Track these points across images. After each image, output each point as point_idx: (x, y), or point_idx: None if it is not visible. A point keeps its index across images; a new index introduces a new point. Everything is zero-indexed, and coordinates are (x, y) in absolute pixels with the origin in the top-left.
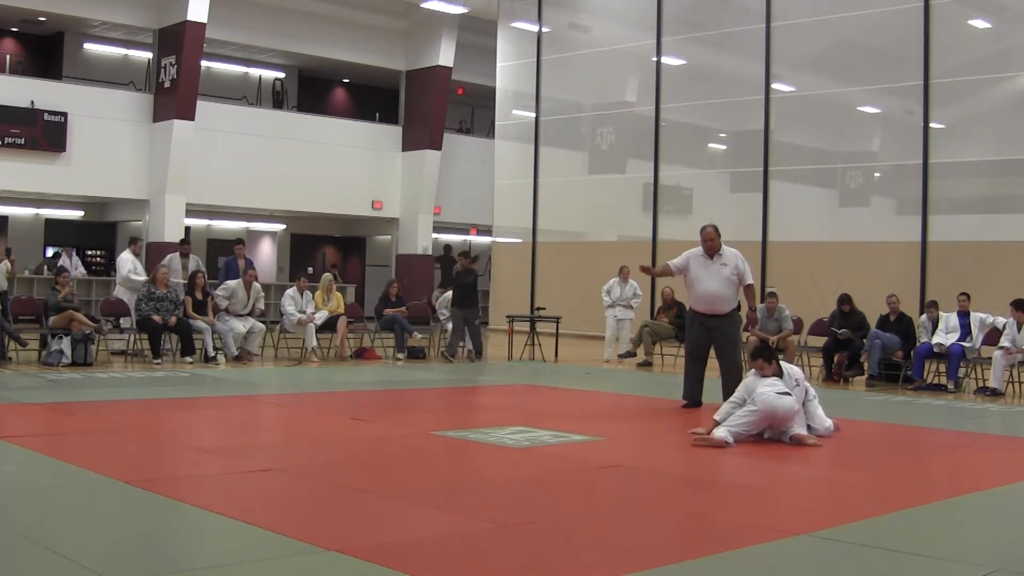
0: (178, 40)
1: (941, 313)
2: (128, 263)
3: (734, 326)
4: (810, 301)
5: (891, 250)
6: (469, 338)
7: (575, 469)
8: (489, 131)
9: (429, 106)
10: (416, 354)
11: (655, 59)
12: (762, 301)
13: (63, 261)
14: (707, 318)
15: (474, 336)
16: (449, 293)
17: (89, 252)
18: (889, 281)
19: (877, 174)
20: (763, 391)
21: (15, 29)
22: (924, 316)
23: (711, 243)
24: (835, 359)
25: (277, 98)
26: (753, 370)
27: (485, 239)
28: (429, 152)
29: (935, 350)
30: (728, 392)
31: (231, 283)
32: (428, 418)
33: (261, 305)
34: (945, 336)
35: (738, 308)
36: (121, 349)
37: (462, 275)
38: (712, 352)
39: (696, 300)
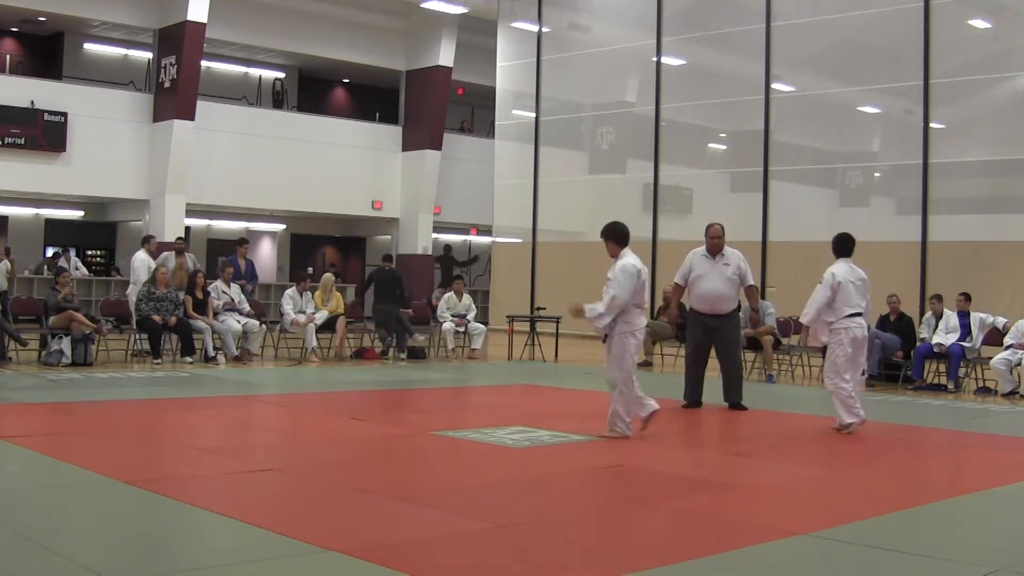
0: (178, 40)
1: (928, 314)
2: (145, 263)
3: (735, 327)
4: None
5: (891, 250)
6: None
7: (575, 469)
8: (489, 131)
9: (429, 106)
10: (416, 354)
11: (655, 59)
12: (763, 299)
13: (63, 261)
14: (708, 318)
15: (398, 333)
16: (450, 293)
17: (89, 252)
18: (889, 281)
19: (877, 174)
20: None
21: (15, 29)
22: (929, 313)
23: (717, 241)
24: None
25: (277, 98)
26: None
27: (485, 239)
28: (429, 152)
29: (935, 350)
30: (729, 390)
31: (216, 282)
32: (428, 418)
33: (245, 306)
34: (945, 336)
35: (738, 308)
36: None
37: (377, 271)
38: (713, 352)
39: (697, 299)
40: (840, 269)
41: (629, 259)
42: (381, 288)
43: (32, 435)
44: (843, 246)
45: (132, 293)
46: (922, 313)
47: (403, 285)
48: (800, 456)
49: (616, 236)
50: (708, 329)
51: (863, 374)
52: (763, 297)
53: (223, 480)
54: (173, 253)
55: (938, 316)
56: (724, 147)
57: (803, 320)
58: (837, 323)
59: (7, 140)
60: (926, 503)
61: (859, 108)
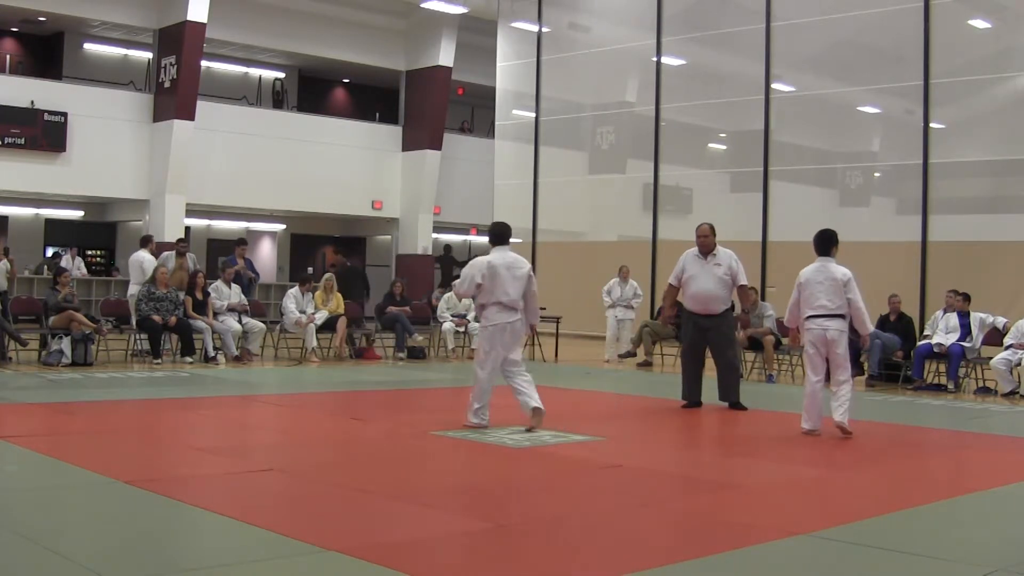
0: (178, 40)
1: (939, 313)
2: (152, 263)
3: (729, 325)
4: None
5: (891, 250)
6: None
7: (575, 469)
8: (489, 131)
9: (429, 106)
10: (416, 354)
11: (655, 59)
12: (762, 299)
13: (64, 261)
14: (701, 318)
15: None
16: (450, 293)
17: (89, 252)
18: (889, 281)
19: (877, 174)
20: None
21: (15, 29)
22: (940, 311)
23: (705, 240)
24: None
25: (277, 98)
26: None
27: (485, 239)
28: (429, 152)
29: (935, 350)
30: (725, 389)
31: (217, 283)
32: (428, 418)
33: (244, 304)
34: (945, 336)
35: (732, 308)
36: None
37: (340, 270)
38: (709, 351)
39: (690, 299)
40: (807, 269)
41: (488, 256)
42: (345, 285)
43: (32, 435)
44: (818, 245)
45: (137, 292)
46: (922, 313)
47: (366, 279)
48: (800, 456)
49: (488, 235)
50: (702, 329)
51: (864, 374)
52: (763, 298)
53: (223, 480)
54: (174, 253)
55: (954, 311)
56: (724, 147)
57: (784, 323)
58: (804, 323)
59: (7, 140)
60: (926, 503)
61: (859, 108)
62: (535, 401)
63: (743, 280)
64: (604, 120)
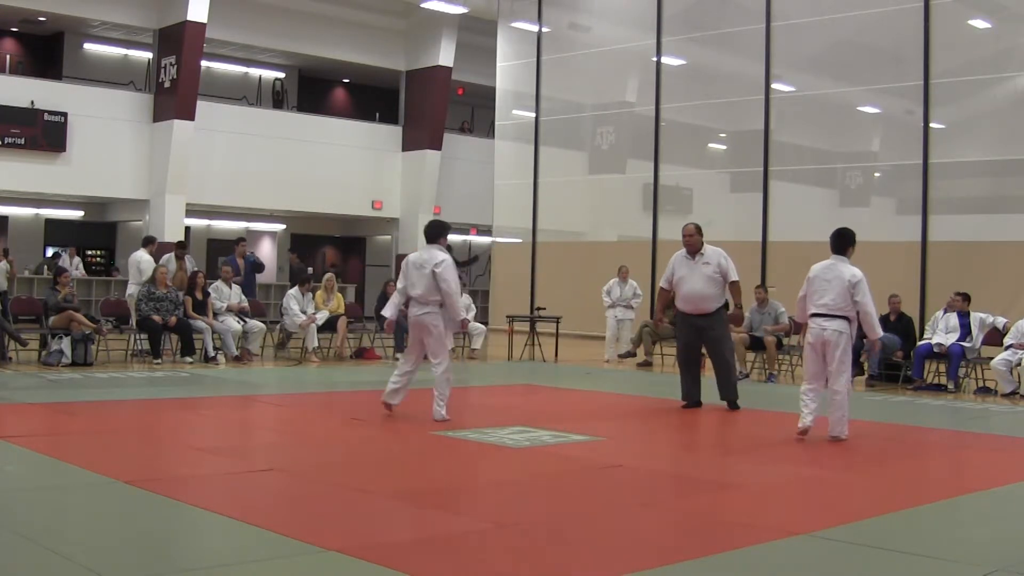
0: (178, 40)
1: (939, 313)
2: (151, 264)
3: (723, 323)
4: None
5: (891, 250)
6: None
7: (575, 469)
8: (489, 131)
9: (429, 106)
10: None
11: (655, 59)
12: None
13: (63, 261)
14: (695, 318)
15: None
16: None
17: (89, 252)
18: (889, 281)
19: (877, 174)
20: None
21: (15, 29)
22: (940, 311)
23: (691, 239)
24: None
25: (277, 98)
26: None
27: (485, 239)
28: (429, 152)
29: (935, 350)
30: (723, 386)
31: (217, 283)
32: (428, 418)
33: (244, 304)
34: (945, 336)
35: (726, 306)
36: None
37: (295, 267)
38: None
39: (682, 300)
40: (817, 265)
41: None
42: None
43: (32, 435)
44: (834, 242)
45: (135, 292)
46: (922, 313)
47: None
48: (800, 456)
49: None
50: (697, 329)
51: (864, 374)
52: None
53: (223, 480)
54: (173, 255)
55: (954, 311)
56: (724, 147)
57: (795, 318)
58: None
59: (7, 140)
60: (926, 503)
61: (859, 108)
62: (439, 413)
63: (734, 276)
64: (604, 120)
